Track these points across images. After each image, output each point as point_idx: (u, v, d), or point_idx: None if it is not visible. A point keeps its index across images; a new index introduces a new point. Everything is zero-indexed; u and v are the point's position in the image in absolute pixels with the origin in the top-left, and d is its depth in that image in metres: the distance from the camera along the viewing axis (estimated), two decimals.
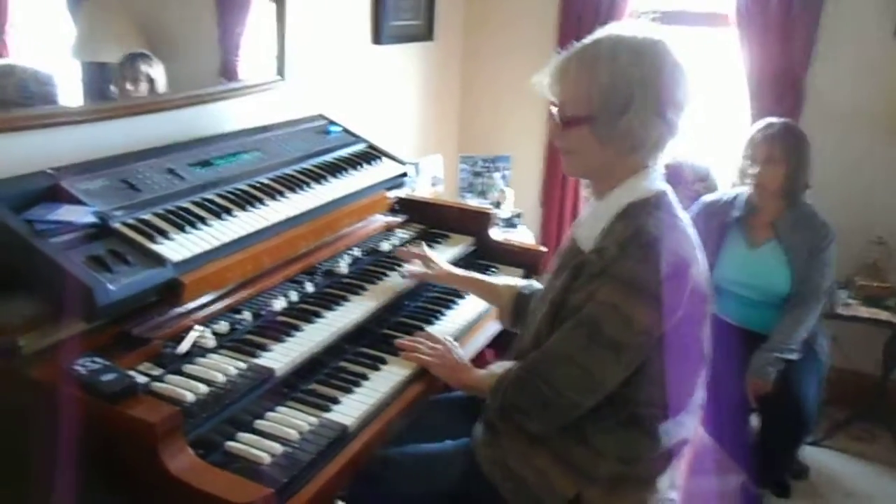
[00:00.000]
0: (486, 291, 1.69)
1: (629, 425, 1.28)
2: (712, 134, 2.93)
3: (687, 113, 1.27)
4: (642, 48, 1.23)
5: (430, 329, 1.63)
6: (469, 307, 1.77)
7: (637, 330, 1.20)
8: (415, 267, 1.74)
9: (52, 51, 1.69)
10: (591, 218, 1.36)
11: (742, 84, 2.79)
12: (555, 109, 1.32)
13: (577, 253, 1.34)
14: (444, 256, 1.90)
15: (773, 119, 2.35)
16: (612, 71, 1.23)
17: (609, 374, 1.23)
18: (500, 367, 1.39)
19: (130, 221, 1.37)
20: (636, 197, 1.28)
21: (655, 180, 1.32)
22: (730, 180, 2.56)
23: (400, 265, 1.81)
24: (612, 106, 1.23)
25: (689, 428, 1.37)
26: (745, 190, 2.38)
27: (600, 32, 1.29)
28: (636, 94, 1.22)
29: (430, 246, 1.95)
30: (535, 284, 1.64)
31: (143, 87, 1.81)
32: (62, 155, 1.47)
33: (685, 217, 1.33)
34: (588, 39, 1.29)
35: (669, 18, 3.16)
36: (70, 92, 1.71)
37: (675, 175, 2.95)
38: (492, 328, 1.75)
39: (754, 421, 2.33)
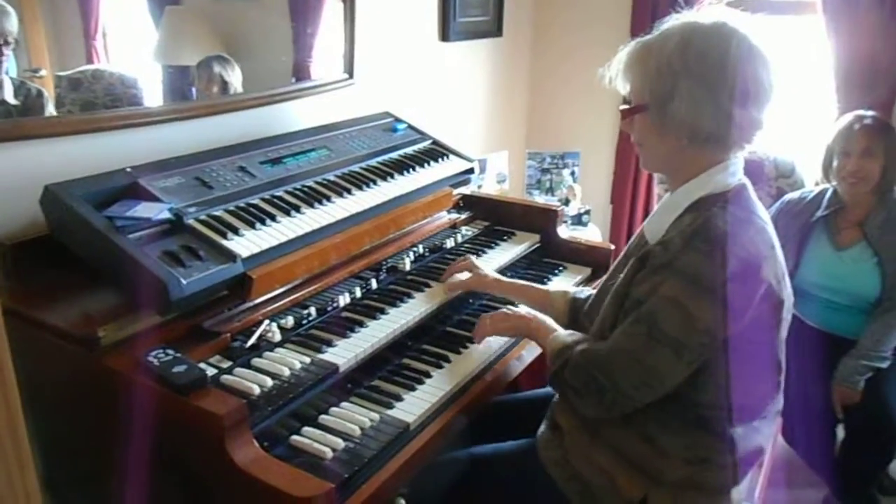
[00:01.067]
0: (538, 299, 1.62)
1: (695, 427, 1.23)
2: (796, 127, 2.79)
3: (766, 102, 1.20)
4: (695, 32, 1.19)
5: None
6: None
7: (698, 329, 1.14)
8: (460, 276, 1.70)
9: (137, 55, 1.77)
10: (660, 211, 1.31)
11: (828, 75, 2.64)
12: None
13: (643, 244, 1.30)
14: (508, 254, 1.88)
15: (864, 112, 2.21)
16: (658, 58, 1.20)
17: (668, 372, 1.18)
18: (570, 335, 1.35)
19: (203, 218, 1.41)
20: (709, 191, 1.23)
21: (734, 174, 1.25)
22: (815, 177, 2.42)
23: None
24: (658, 94, 1.20)
25: (764, 436, 1.30)
26: (830, 187, 2.24)
27: (670, 20, 1.24)
28: (680, 81, 1.17)
29: (494, 244, 1.94)
30: (588, 291, 1.58)
31: (218, 88, 1.87)
32: (142, 154, 1.53)
33: (764, 215, 1.26)
34: (656, 30, 1.25)
35: (752, 6, 3.02)
36: (152, 94, 1.79)
37: (754, 171, 2.84)
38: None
39: (839, 431, 2.20)
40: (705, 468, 1.24)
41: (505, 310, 1.51)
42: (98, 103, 1.64)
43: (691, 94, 1.17)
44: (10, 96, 1.46)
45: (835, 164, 2.18)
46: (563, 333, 1.37)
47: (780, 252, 1.25)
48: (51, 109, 1.54)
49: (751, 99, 1.19)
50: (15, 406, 0.70)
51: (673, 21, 1.24)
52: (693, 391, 1.21)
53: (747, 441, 1.26)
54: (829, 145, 2.21)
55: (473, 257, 1.77)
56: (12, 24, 1.42)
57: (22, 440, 0.70)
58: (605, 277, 1.45)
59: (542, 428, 1.40)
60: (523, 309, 1.51)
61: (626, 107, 1.28)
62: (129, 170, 1.44)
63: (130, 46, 1.76)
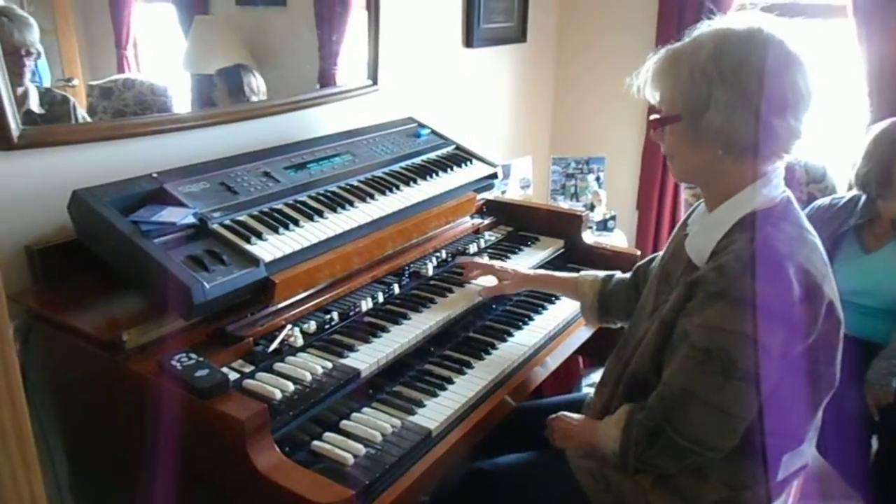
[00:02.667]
0: (567, 287, 1.62)
1: (744, 453, 1.17)
2: (827, 133, 2.73)
3: (804, 109, 1.14)
4: (729, 40, 1.13)
5: (517, 334, 1.60)
6: (558, 312, 1.72)
7: (774, 356, 1.08)
8: (486, 282, 1.68)
9: (167, 64, 1.80)
10: (704, 230, 1.24)
11: (860, 80, 2.58)
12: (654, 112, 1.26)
13: (690, 268, 1.22)
14: (532, 259, 1.87)
15: None
16: (691, 66, 1.14)
17: (747, 408, 1.11)
18: (616, 420, 1.24)
19: (227, 222, 1.42)
20: (756, 206, 1.17)
21: (777, 186, 1.20)
22: (845, 182, 2.36)
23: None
24: (692, 104, 1.15)
25: (806, 456, 1.26)
26: (863, 195, 2.18)
27: (701, 26, 1.20)
28: (714, 90, 1.12)
29: (518, 249, 1.92)
30: (619, 275, 1.56)
31: (244, 96, 1.89)
32: (168, 159, 1.55)
33: (811, 228, 1.21)
34: (686, 37, 1.21)
35: (781, 10, 2.97)
36: (181, 102, 1.81)
37: (785, 176, 2.77)
38: (582, 334, 1.70)
39: (873, 442, 2.14)
40: (745, 491, 1.20)
41: (568, 424, 1.36)
42: (129, 111, 1.66)
43: (727, 103, 1.12)
44: (35, 105, 1.49)
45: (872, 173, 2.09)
46: (610, 421, 1.25)
47: (829, 266, 1.20)
48: (80, 115, 1.57)
49: (789, 107, 1.13)
50: (21, 406, 0.70)
51: (704, 27, 1.19)
52: (758, 417, 1.15)
53: (792, 464, 1.22)
54: (881, 160, 2.10)
55: (492, 260, 1.75)
56: (34, 35, 1.45)
57: (28, 440, 0.70)
58: (643, 297, 1.39)
59: None
60: (577, 419, 1.36)
61: (656, 117, 1.23)
62: (155, 175, 1.46)
63: (160, 56, 1.79)
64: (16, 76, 1.43)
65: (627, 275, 1.56)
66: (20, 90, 1.46)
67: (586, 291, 1.57)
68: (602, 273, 1.59)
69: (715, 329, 1.10)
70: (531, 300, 1.76)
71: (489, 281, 1.68)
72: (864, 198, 2.18)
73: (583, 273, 1.62)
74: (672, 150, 1.24)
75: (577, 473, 1.31)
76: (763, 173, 1.19)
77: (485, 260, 1.75)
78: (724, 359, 1.09)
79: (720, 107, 1.12)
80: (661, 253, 1.43)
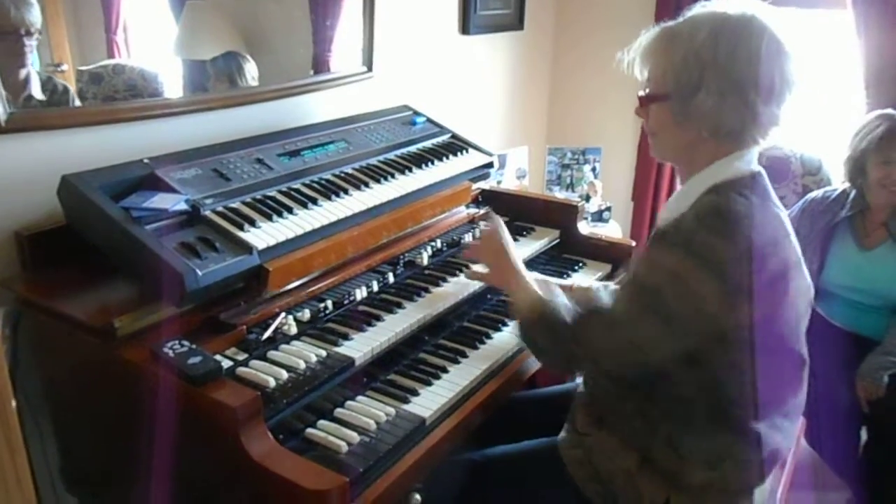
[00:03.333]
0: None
1: (719, 426, 1.20)
2: (823, 125, 2.73)
3: (786, 99, 1.17)
4: (725, 26, 1.15)
5: (512, 323, 1.59)
6: None
7: (701, 308, 1.10)
8: (479, 268, 1.67)
9: (157, 50, 1.77)
10: (675, 200, 1.28)
11: (857, 72, 2.58)
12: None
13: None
14: (527, 249, 1.86)
15: (892, 111, 2.14)
16: (686, 49, 1.16)
17: (656, 348, 1.15)
18: (552, 294, 1.32)
19: (220, 209, 1.41)
20: (725, 177, 1.19)
21: (749, 163, 1.22)
22: (841, 175, 2.36)
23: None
24: (684, 86, 1.16)
25: (787, 434, 1.27)
26: (855, 188, 2.18)
27: (696, 8, 1.21)
28: (707, 74, 1.14)
29: (513, 239, 1.91)
30: (612, 286, 1.55)
31: (236, 81, 1.87)
32: (159, 145, 1.53)
33: (780, 203, 1.23)
34: (681, 17, 1.22)
35: (778, 1, 2.97)
36: (172, 88, 1.79)
37: (780, 168, 2.79)
38: None
39: (863, 434, 2.15)
40: (727, 469, 1.21)
41: (501, 248, 1.49)
42: (119, 97, 1.64)
43: (718, 88, 1.14)
44: (37, 91, 1.46)
45: (871, 171, 2.09)
46: (546, 291, 1.34)
47: (796, 241, 1.22)
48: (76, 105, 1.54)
49: (775, 96, 1.16)
50: (6, 392, 0.69)
51: (699, 9, 1.20)
52: (720, 391, 1.18)
53: (770, 439, 1.23)
54: (860, 149, 2.12)
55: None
56: (34, 15, 1.41)
57: (13, 424, 0.69)
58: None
59: (565, 426, 1.37)
60: (522, 271, 1.46)
61: (645, 93, 1.25)
62: (146, 161, 1.44)
63: (151, 41, 1.76)
64: (15, 57, 1.39)
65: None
66: (22, 72, 1.42)
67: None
68: (598, 283, 1.58)
69: (654, 265, 1.15)
70: None
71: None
72: (854, 190, 2.18)
73: (577, 282, 1.61)
74: (656, 128, 1.26)
75: (567, 463, 1.31)
76: (736, 150, 1.21)
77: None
78: (654, 292, 1.12)
79: (711, 91, 1.15)
80: None
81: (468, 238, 1.74)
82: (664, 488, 1.22)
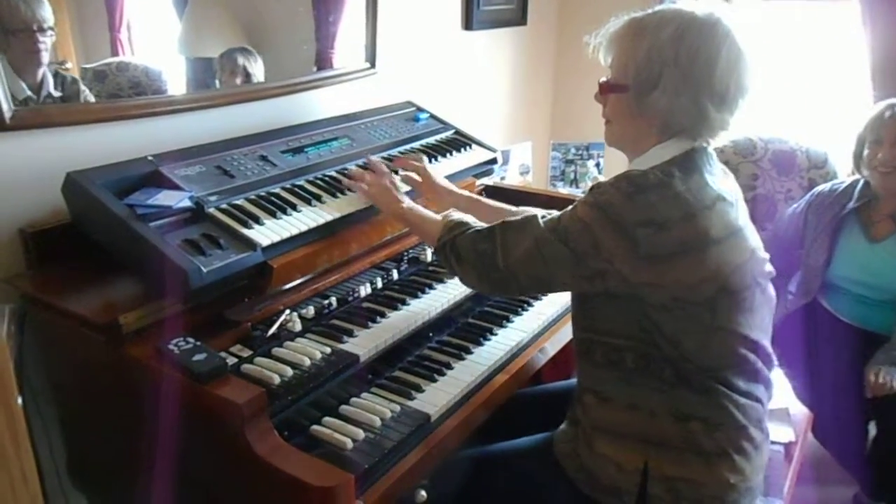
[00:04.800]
0: (499, 217, 1.61)
1: (676, 383, 1.22)
2: (830, 118, 2.72)
3: (739, 106, 1.18)
4: (691, 26, 1.16)
5: (516, 320, 1.60)
6: (556, 298, 1.71)
7: (603, 257, 1.14)
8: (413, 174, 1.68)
9: (161, 47, 1.77)
10: None
11: (864, 64, 2.56)
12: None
13: None
14: None
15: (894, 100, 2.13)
16: (650, 44, 1.17)
17: (558, 274, 1.20)
18: (457, 215, 1.37)
19: (224, 206, 1.41)
20: (660, 160, 1.20)
21: (686, 146, 1.21)
22: (848, 168, 2.35)
23: None
24: (642, 80, 1.18)
25: (752, 399, 1.26)
26: (862, 179, 2.17)
27: (665, 3, 1.22)
28: (666, 72, 1.15)
29: None
30: (554, 213, 1.56)
31: (241, 79, 1.86)
32: (164, 142, 1.53)
33: (719, 177, 1.22)
34: (650, 8, 1.22)
35: None
36: (176, 86, 1.79)
37: (786, 162, 2.77)
38: None
39: (870, 428, 2.14)
40: (697, 428, 1.21)
41: (387, 184, 1.54)
42: (123, 95, 1.64)
43: (675, 87, 1.16)
44: (52, 89, 1.46)
45: (866, 153, 2.10)
46: (451, 213, 1.39)
47: (736, 211, 1.21)
48: (86, 97, 1.54)
49: (727, 103, 1.17)
50: (11, 388, 0.69)
51: (669, 4, 1.21)
52: (655, 345, 1.20)
53: (729, 399, 1.22)
54: (859, 134, 2.14)
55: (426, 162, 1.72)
56: (46, 10, 1.40)
57: (19, 423, 0.69)
58: None
59: (564, 422, 1.38)
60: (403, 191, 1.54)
61: (605, 80, 1.26)
62: (150, 158, 1.44)
63: (155, 38, 1.76)
64: (32, 55, 1.38)
65: None
66: (40, 72, 1.42)
67: None
68: (541, 212, 1.57)
69: (572, 216, 1.19)
70: None
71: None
72: (861, 181, 2.17)
73: (521, 209, 1.58)
74: (611, 116, 1.28)
75: (559, 458, 1.32)
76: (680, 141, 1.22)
77: (421, 163, 1.70)
78: (564, 231, 1.19)
79: (667, 89, 1.16)
80: None
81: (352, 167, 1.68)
82: (641, 452, 1.23)
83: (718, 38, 1.15)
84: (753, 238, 1.24)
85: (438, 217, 1.38)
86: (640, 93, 1.19)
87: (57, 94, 1.48)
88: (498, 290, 1.33)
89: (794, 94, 2.83)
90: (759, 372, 1.27)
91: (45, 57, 1.43)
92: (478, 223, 1.34)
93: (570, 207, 1.22)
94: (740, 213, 1.23)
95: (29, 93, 1.41)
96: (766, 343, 1.29)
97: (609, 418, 1.27)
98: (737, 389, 1.24)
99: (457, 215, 1.38)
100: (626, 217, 1.13)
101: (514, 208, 1.61)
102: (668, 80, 1.15)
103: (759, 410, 1.27)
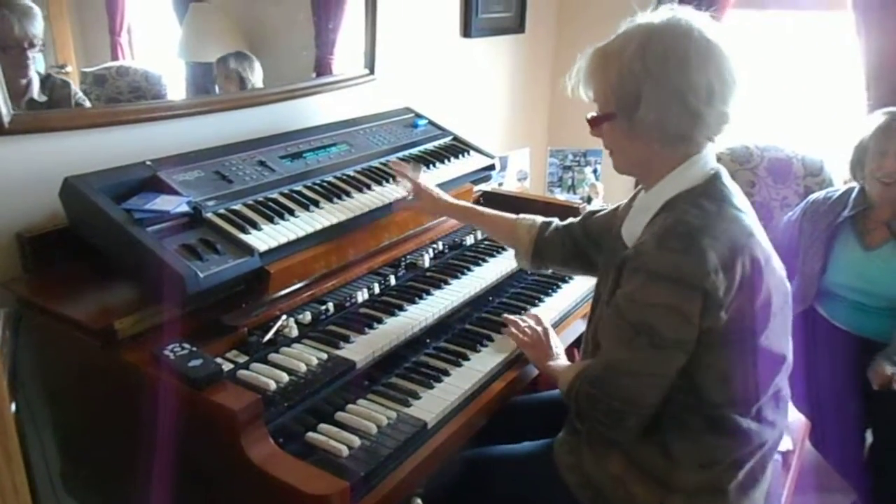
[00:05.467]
0: (501, 229, 1.60)
1: (708, 430, 1.20)
2: (824, 125, 2.72)
3: (733, 95, 1.17)
4: (652, 37, 1.16)
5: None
6: (554, 304, 1.72)
7: (696, 323, 1.12)
8: (403, 190, 1.66)
9: (161, 52, 1.77)
10: (634, 213, 1.29)
11: (858, 72, 2.57)
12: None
13: (623, 248, 1.27)
14: None
15: (894, 109, 2.14)
16: (619, 66, 1.17)
17: (676, 368, 1.16)
18: (574, 367, 1.32)
19: (222, 211, 1.40)
20: (682, 188, 1.21)
21: (704, 167, 1.22)
22: (843, 176, 2.36)
23: (484, 259, 1.78)
24: (625, 101, 1.18)
25: (779, 427, 1.27)
26: (857, 186, 2.18)
27: (625, 24, 1.23)
28: (643, 86, 1.15)
29: None
30: (557, 222, 1.57)
31: (236, 85, 1.86)
32: (162, 147, 1.53)
33: (741, 202, 1.23)
34: (614, 34, 1.23)
35: (782, 3, 2.97)
36: (176, 90, 1.79)
37: (781, 169, 2.78)
38: (577, 328, 1.69)
39: (868, 436, 2.14)
40: (719, 470, 1.21)
41: (544, 330, 1.51)
42: (122, 99, 1.64)
43: (657, 98, 1.15)
44: (36, 93, 1.47)
45: (868, 163, 2.10)
46: (572, 368, 1.33)
47: (763, 237, 1.22)
48: (79, 99, 1.54)
49: (716, 95, 1.16)
50: (2, 396, 0.68)
51: (629, 24, 1.22)
52: (701, 393, 1.18)
53: (758, 436, 1.22)
54: (860, 144, 2.14)
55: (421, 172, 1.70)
56: (37, 27, 1.42)
57: (10, 432, 0.68)
58: (599, 273, 1.43)
59: (562, 431, 1.37)
60: (555, 344, 1.49)
61: (593, 115, 1.27)
62: (148, 163, 1.44)
63: (155, 43, 1.76)
64: (18, 69, 1.40)
65: (566, 222, 1.57)
66: (24, 81, 1.43)
67: (522, 236, 1.57)
68: (540, 219, 1.59)
69: (638, 303, 1.14)
70: (528, 293, 1.76)
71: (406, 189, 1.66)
72: (857, 188, 2.18)
73: (521, 216, 1.60)
74: (612, 145, 1.28)
75: (560, 468, 1.31)
76: (690, 156, 1.22)
77: (417, 172, 1.68)
78: (649, 332, 1.13)
79: (650, 103, 1.16)
80: (608, 207, 1.50)
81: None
82: (657, 492, 1.22)
83: (681, 37, 1.15)
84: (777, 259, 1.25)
85: (572, 373, 1.29)
86: (628, 114, 1.19)
87: (42, 98, 1.47)
88: (646, 422, 1.22)
89: (789, 103, 2.84)
90: (783, 396, 1.28)
91: (32, 69, 1.45)
92: (579, 380, 1.24)
93: (622, 296, 1.17)
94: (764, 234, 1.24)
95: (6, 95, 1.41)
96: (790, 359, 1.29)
97: (635, 448, 1.23)
98: (764, 419, 1.23)
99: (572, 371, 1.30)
100: (696, 274, 1.10)
101: (512, 216, 1.61)
102: (649, 93, 1.15)
103: (776, 434, 1.27)
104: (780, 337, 1.24)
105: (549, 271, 1.69)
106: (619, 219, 1.37)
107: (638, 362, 1.15)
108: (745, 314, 1.16)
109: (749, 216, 1.22)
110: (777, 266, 1.24)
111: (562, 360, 1.45)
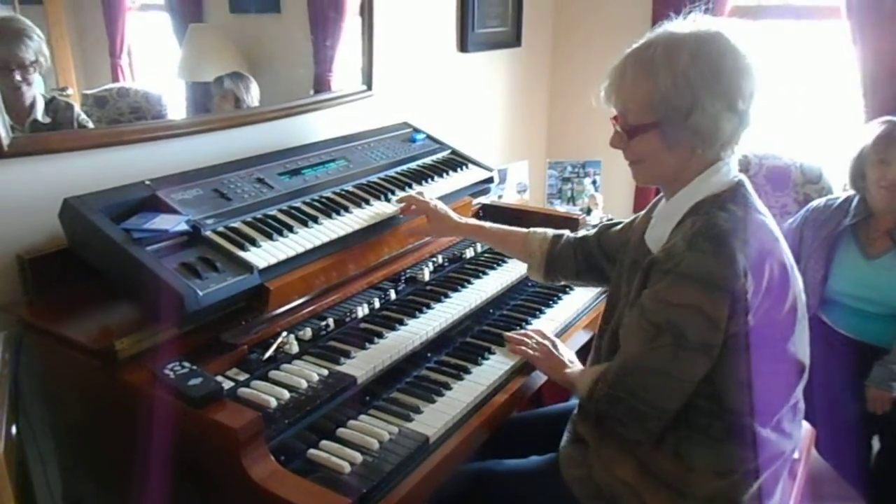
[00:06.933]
0: (513, 244, 1.61)
1: (724, 438, 1.19)
2: (823, 133, 2.73)
3: (757, 101, 1.20)
4: (699, 45, 1.17)
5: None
6: (555, 315, 1.71)
7: (723, 328, 1.12)
8: (414, 215, 1.67)
9: (161, 73, 1.79)
10: (659, 219, 1.30)
11: (855, 81, 2.58)
12: (615, 121, 1.28)
13: (647, 254, 1.27)
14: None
15: (893, 118, 2.14)
16: (672, 74, 1.17)
17: (699, 373, 1.16)
18: (592, 373, 1.31)
19: (220, 229, 1.41)
20: (708, 192, 1.21)
21: (728, 173, 1.24)
22: (842, 183, 2.36)
23: (484, 272, 1.78)
24: (677, 109, 1.18)
25: (793, 440, 1.27)
26: (857, 194, 2.18)
27: (652, 34, 1.23)
28: (700, 93, 1.16)
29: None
30: (568, 234, 1.57)
31: (231, 105, 1.88)
32: (161, 166, 1.53)
33: (763, 209, 1.24)
34: (640, 43, 1.23)
35: (774, 12, 2.99)
36: (177, 110, 1.81)
37: (780, 177, 2.78)
38: (580, 338, 1.69)
39: (874, 443, 2.13)
40: (735, 479, 1.20)
41: (552, 342, 1.52)
42: (123, 120, 1.66)
43: (713, 105, 1.16)
44: (41, 115, 1.48)
45: (870, 173, 2.10)
46: (590, 371, 1.32)
47: (785, 245, 1.23)
48: (82, 121, 1.56)
49: (755, 99, 1.19)
50: None
51: (661, 33, 1.22)
52: (723, 400, 1.18)
53: (775, 446, 1.22)
54: (860, 154, 2.13)
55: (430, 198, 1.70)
56: (24, 50, 1.43)
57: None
58: (611, 285, 1.42)
59: (564, 442, 1.36)
60: (565, 353, 1.50)
61: (630, 127, 1.24)
62: (147, 182, 1.44)
63: (155, 64, 1.78)
64: (12, 91, 1.42)
65: (580, 234, 1.57)
66: (27, 101, 1.45)
67: (534, 250, 1.58)
68: (552, 232, 1.59)
69: (664, 303, 1.15)
70: (529, 304, 1.75)
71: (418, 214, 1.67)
72: (857, 197, 2.17)
73: (532, 230, 1.60)
74: (642, 156, 1.27)
75: (570, 483, 1.30)
76: (714, 162, 1.23)
77: (424, 197, 1.69)
78: (674, 332, 1.13)
79: (706, 109, 1.17)
80: (624, 221, 1.50)
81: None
82: (670, 500, 1.21)
83: (729, 47, 1.17)
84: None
85: (590, 377, 1.29)
86: (677, 122, 1.18)
87: (46, 120, 1.49)
88: (665, 425, 1.22)
89: (786, 111, 2.85)
90: (799, 406, 1.29)
91: (27, 91, 1.46)
92: (599, 382, 1.25)
93: (647, 297, 1.17)
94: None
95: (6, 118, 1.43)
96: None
97: (649, 455, 1.23)
98: (780, 429, 1.23)
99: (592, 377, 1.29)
100: (727, 276, 1.10)
101: (523, 230, 1.61)
102: (706, 99, 1.16)
103: (792, 444, 1.27)
104: (804, 344, 1.25)
105: (561, 283, 1.69)
106: (638, 230, 1.37)
107: (659, 361, 1.16)
108: (773, 319, 1.17)
109: (772, 223, 1.23)
110: (798, 274, 1.24)
111: (577, 367, 1.45)
